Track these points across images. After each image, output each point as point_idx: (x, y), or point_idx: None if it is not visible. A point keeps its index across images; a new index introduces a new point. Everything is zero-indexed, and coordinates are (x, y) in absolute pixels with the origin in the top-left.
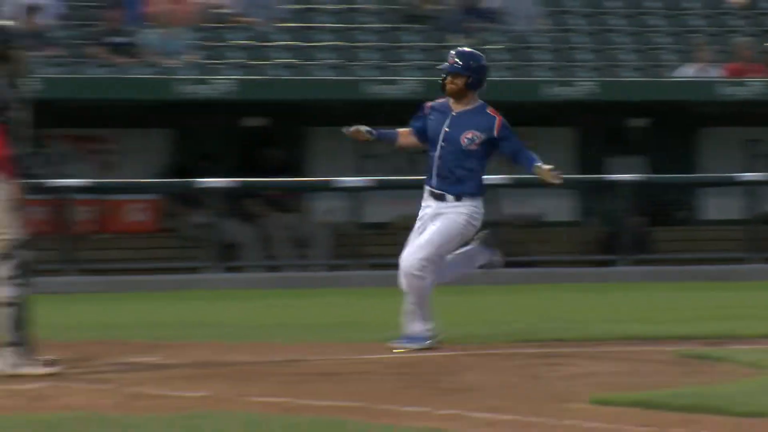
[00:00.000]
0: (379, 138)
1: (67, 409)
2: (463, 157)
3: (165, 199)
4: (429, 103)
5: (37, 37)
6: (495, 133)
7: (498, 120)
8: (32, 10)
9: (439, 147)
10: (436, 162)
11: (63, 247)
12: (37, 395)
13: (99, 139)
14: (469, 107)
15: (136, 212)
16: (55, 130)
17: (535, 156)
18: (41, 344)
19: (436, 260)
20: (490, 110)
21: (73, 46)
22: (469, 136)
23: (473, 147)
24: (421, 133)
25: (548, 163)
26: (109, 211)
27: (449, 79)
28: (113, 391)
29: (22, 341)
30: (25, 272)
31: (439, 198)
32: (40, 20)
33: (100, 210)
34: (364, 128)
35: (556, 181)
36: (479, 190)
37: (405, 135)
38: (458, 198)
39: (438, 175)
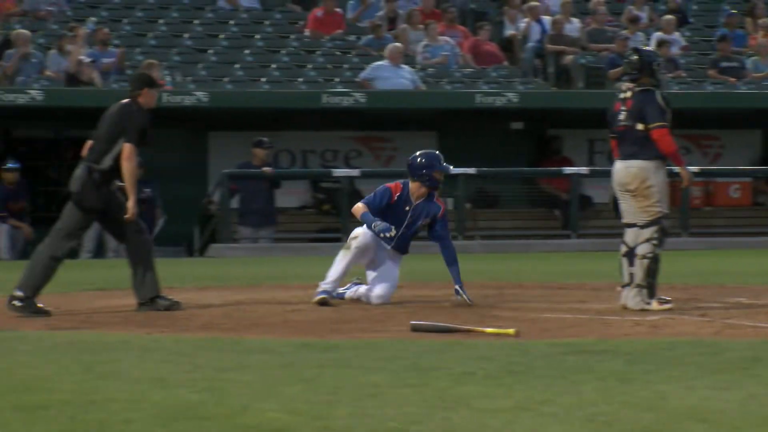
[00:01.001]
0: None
1: (678, 335)
2: (413, 234)
3: (756, 181)
4: (396, 194)
5: (668, 63)
6: (438, 216)
7: (443, 208)
8: (663, 42)
9: (402, 229)
10: (397, 237)
11: (680, 216)
12: (655, 325)
13: (708, 138)
14: (423, 198)
15: (734, 191)
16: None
17: (458, 273)
18: (661, 287)
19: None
20: (437, 200)
21: (693, 69)
22: (422, 222)
23: (422, 227)
24: (377, 211)
25: None
26: (714, 190)
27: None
28: (712, 323)
29: (649, 285)
30: (663, 236)
31: (400, 253)
32: (670, 51)
33: (708, 189)
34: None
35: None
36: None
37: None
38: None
39: (395, 248)
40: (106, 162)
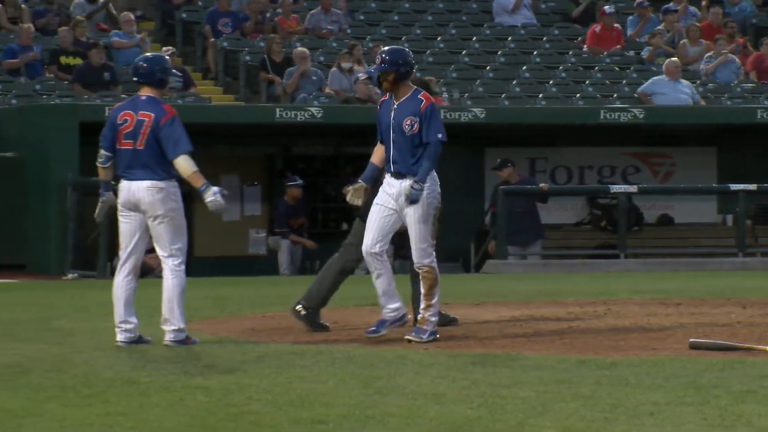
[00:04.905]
0: (370, 179)
1: None
2: (410, 142)
3: None
4: (381, 101)
5: None
6: (420, 110)
7: (425, 102)
8: None
9: (390, 137)
10: (391, 151)
11: None
12: None
13: None
14: (406, 96)
15: None
16: None
17: (424, 172)
18: None
19: (431, 242)
20: (422, 95)
21: None
22: (408, 122)
23: (414, 131)
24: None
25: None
26: None
27: (382, 77)
28: None
29: None
30: None
31: (400, 177)
32: None
33: None
34: (357, 186)
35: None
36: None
37: (379, 156)
38: (416, 175)
39: (395, 162)
40: None
